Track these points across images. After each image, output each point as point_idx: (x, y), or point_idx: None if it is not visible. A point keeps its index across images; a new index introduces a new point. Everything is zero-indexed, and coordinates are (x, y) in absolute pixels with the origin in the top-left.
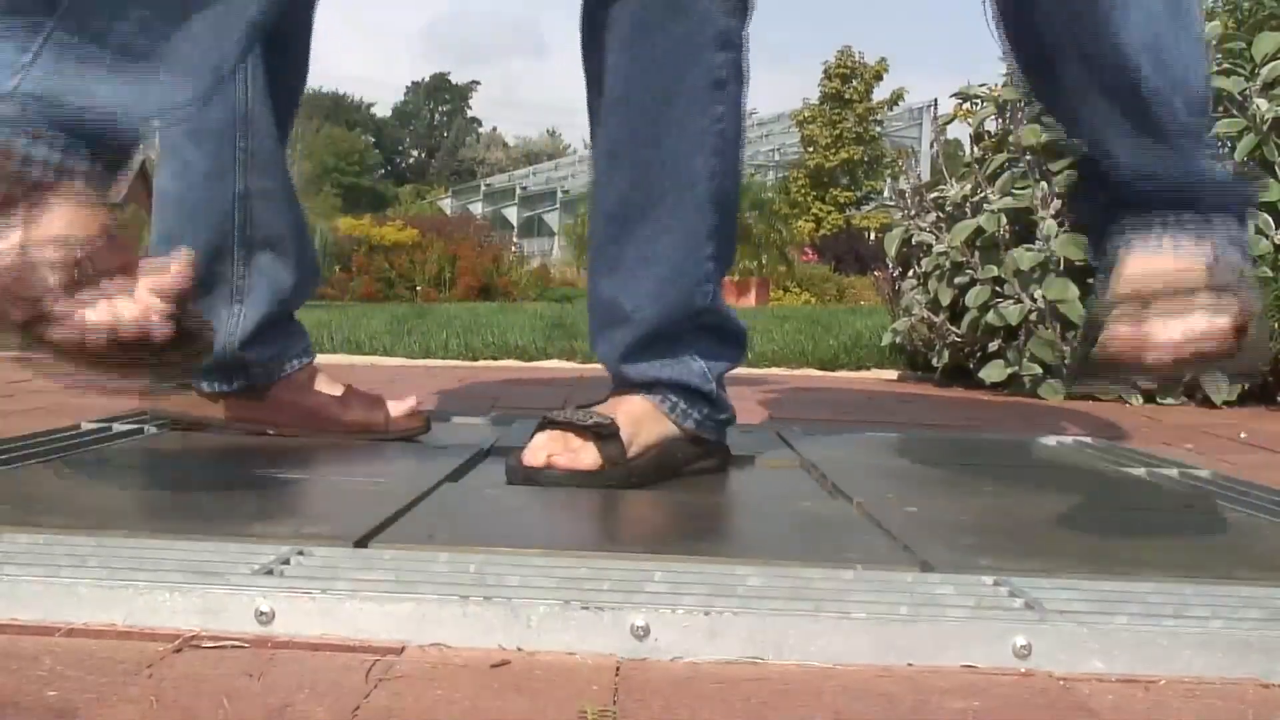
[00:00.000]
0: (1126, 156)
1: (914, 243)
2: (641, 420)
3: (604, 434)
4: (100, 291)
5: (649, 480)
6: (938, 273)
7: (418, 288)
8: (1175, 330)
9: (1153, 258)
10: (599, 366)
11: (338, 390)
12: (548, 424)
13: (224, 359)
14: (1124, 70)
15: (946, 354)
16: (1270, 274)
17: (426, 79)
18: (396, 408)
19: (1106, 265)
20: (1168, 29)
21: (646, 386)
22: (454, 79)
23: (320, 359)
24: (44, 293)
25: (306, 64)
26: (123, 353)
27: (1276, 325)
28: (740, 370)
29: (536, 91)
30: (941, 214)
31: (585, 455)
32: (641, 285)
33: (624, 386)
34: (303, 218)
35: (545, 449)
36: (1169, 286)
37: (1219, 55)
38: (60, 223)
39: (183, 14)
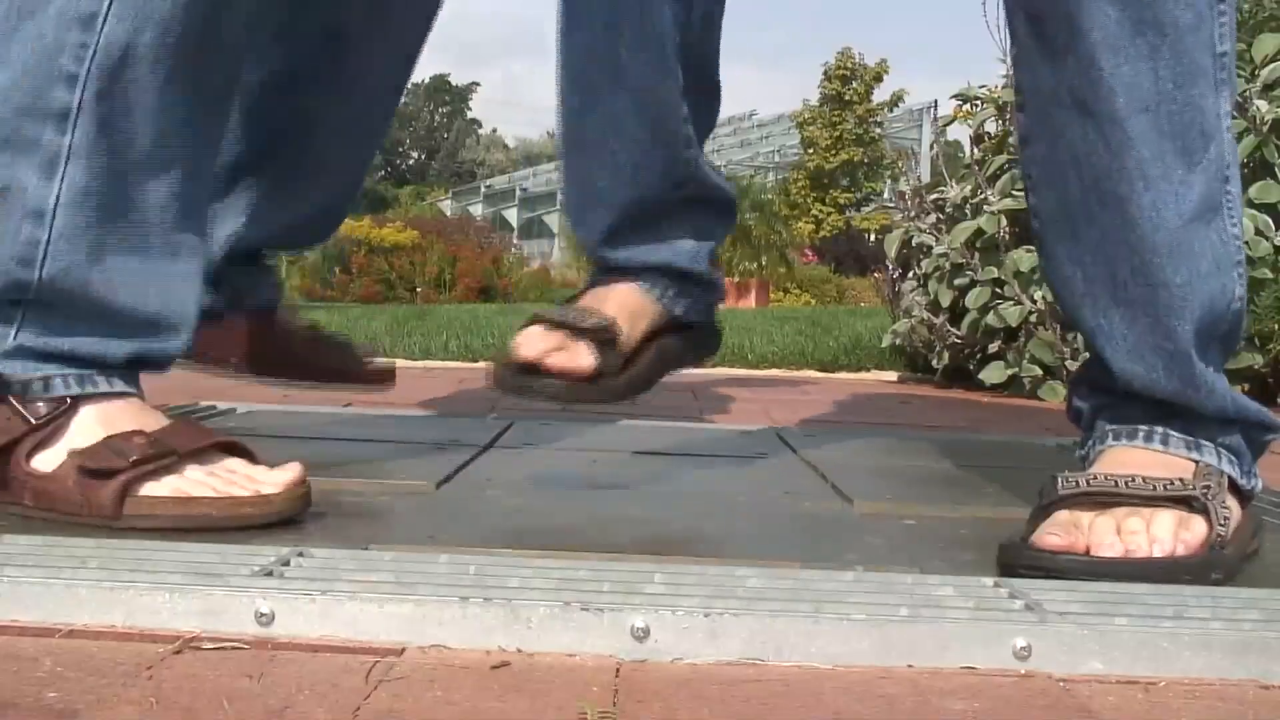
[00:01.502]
0: (1120, 354)
1: (914, 244)
2: (636, 313)
3: (603, 339)
4: (172, 466)
5: (644, 389)
6: (938, 274)
7: (418, 289)
8: (1131, 525)
9: (1131, 456)
10: None
11: (305, 331)
12: (540, 319)
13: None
14: (1141, 260)
15: (946, 355)
16: (1270, 275)
17: (426, 80)
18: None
19: (1083, 461)
20: (1199, 233)
21: (634, 271)
22: (454, 80)
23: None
24: (126, 469)
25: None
26: (224, 505)
27: (1277, 326)
28: (741, 371)
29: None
30: (941, 215)
31: (583, 357)
32: (614, 158)
33: (610, 271)
34: (357, 162)
35: (540, 342)
36: (1143, 474)
37: None
38: (118, 421)
39: (147, 260)
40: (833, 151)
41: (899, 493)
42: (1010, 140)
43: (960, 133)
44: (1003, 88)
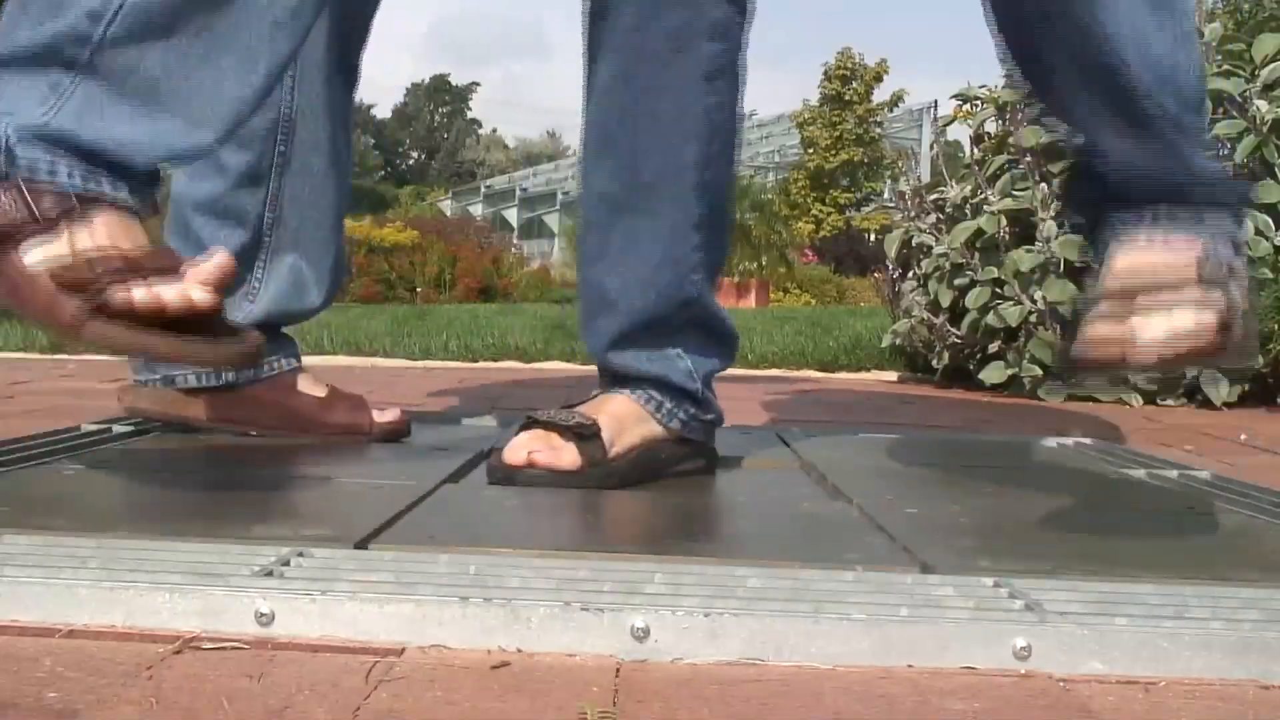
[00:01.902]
0: (1115, 152)
1: (914, 244)
2: (625, 420)
3: (585, 434)
4: (146, 283)
5: (630, 481)
6: (938, 274)
7: (417, 289)
8: (1159, 328)
9: (1141, 253)
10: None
11: (321, 391)
12: (531, 423)
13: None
14: (1109, 63)
15: (946, 355)
16: (1270, 275)
17: (426, 80)
18: (380, 415)
19: (1097, 261)
20: (1152, 22)
21: (631, 382)
22: (454, 80)
23: (320, 360)
24: (91, 288)
25: (356, 69)
26: (166, 329)
27: (1277, 326)
28: (740, 371)
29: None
30: (941, 215)
31: (566, 454)
32: (628, 271)
33: (609, 379)
34: (336, 232)
35: (527, 447)
36: (1156, 281)
37: (1219, 56)
38: (100, 235)
39: (206, 56)
40: (833, 151)
41: (899, 493)
42: (1010, 140)
43: (960, 133)
44: (1003, 88)
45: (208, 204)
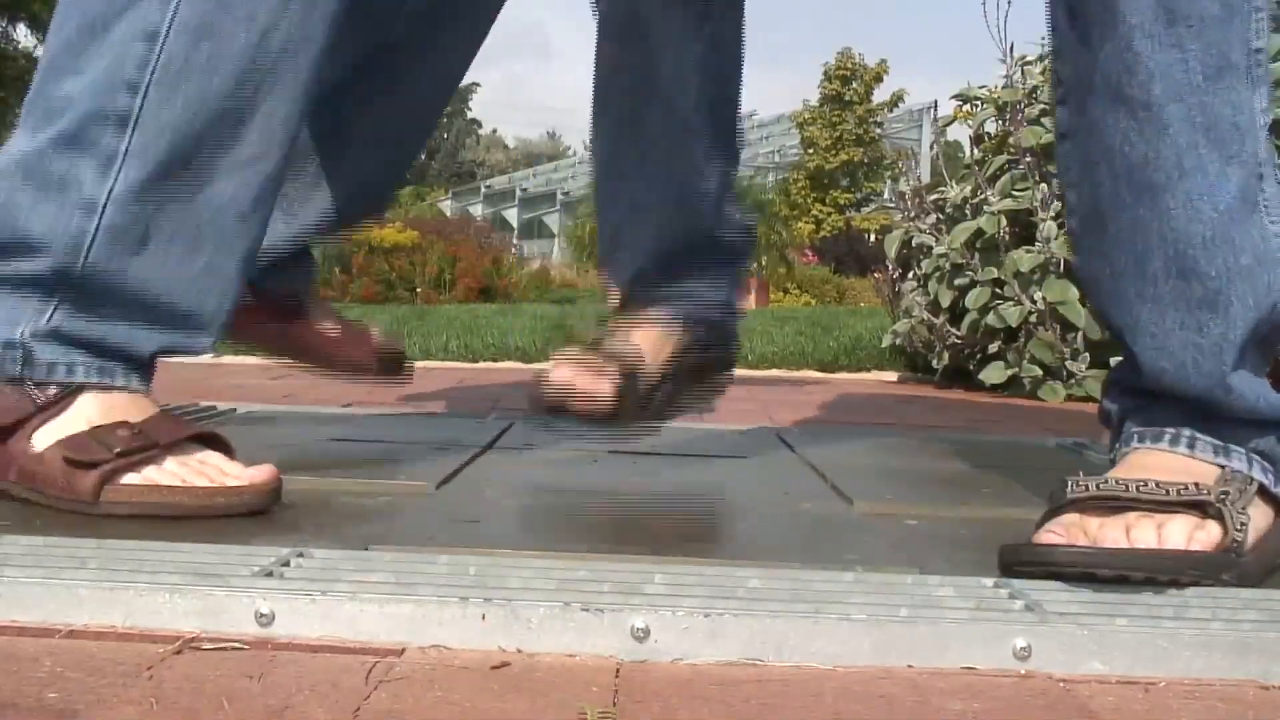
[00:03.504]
0: (1150, 350)
1: (914, 244)
2: (657, 343)
3: (626, 370)
4: (153, 457)
5: (668, 406)
6: (938, 274)
7: (418, 289)
8: (1141, 534)
9: (1155, 459)
10: None
11: (332, 328)
12: (573, 343)
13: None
14: (1175, 251)
15: (946, 356)
16: None
17: None
18: (380, 339)
19: (1111, 458)
20: (1238, 227)
21: (656, 308)
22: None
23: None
24: (105, 463)
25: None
26: (199, 494)
27: None
28: (740, 371)
29: (538, 93)
30: (941, 216)
31: (607, 383)
32: (649, 208)
33: (640, 300)
34: (398, 170)
35: (573, 369)
36: (1158, 478)
37: None
38: (112, 411)
39: (183, 259)
40: (833, 152)
41: (899, 493)
42: (1010, 140)
43: (960, 133)
44: (1003, 88)
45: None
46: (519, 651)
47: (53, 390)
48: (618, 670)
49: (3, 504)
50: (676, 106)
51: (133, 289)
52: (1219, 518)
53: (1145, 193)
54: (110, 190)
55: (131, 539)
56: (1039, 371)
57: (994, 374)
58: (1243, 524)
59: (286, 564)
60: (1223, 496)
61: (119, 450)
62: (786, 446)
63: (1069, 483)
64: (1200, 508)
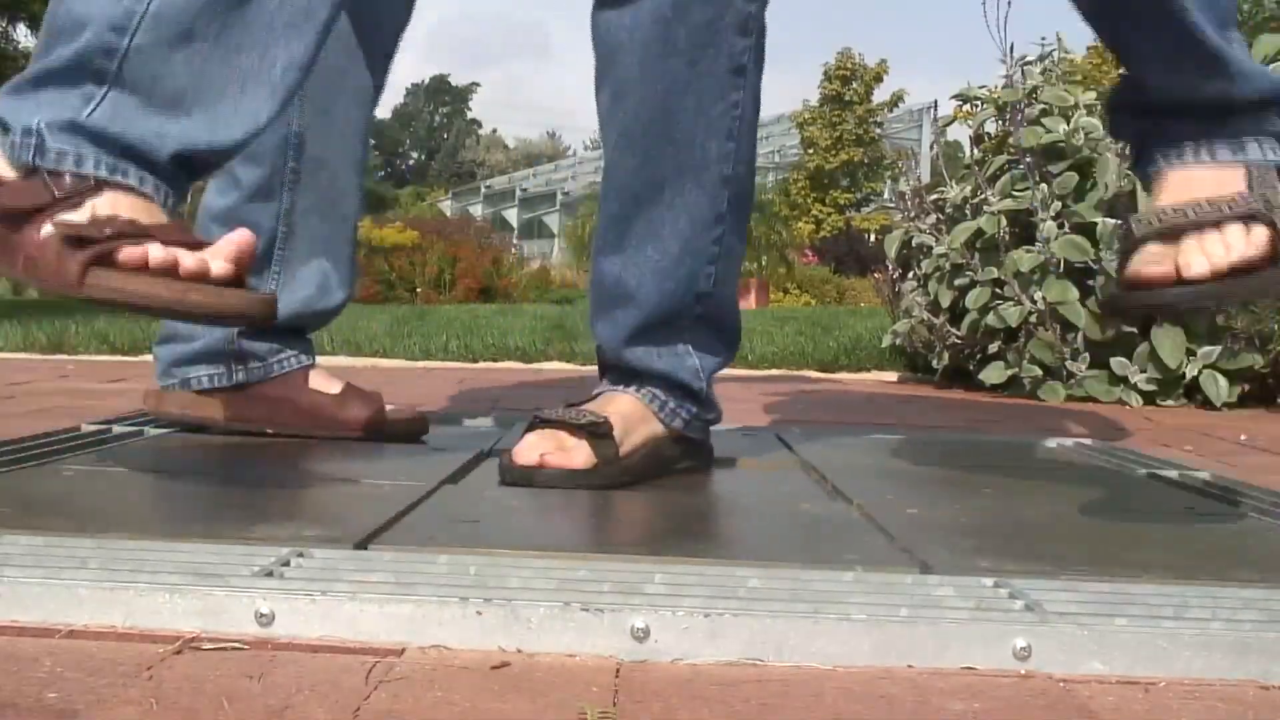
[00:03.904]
0: (1159, 79)
1: (914, 244)
2: (631, 419)
3: (598, 433)
4: (163, 247)
5: (639, 479)
6: (938, 274)
7: (417, 289)
8: (1211, 244)
9: (1187, 178)
10: (599, 369)
11: (336, 388)
12: (540, 423)
13: (223, 351)
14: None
15: (946, 356)
16: None
17: (426, 80)
18: (396, 413)
19: (1145, 188)
20: None
21: (637, 379)
22: (454, 80)
23: (319, 360)
24: (98, 243)
25: (377, 88)
26: (177, 287)
27: (1277, 326)
28: (740, 371)
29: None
30: (941, 216)
31: (578, 454)
32: (646, 263)
33: (615, 374)
34: (346, 241)
35: (538, 448)
36: (1205, 197)
37: None
38: (120, 209)
39: (225, 59)
40: (833, 152)
41: (899, 493)
42: (1010, 140)
43: (960, 133)
44: (1003, 88)
45: (224, 216)
46: (519, 651)
47: (68, 180)
48: (618, 670)
49: (3, 504)
50: (699, 158)
51: (169, 80)
52: (1268, 223)
53: None
54: None
55: (132, 539)
56: (1039, 371)
57: (994, 374)
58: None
59: (286, 564)
60: (1264, 201)
61: (109, 233)
62: (786, 446)
63: (1133, 221)
64: (1250, 217)
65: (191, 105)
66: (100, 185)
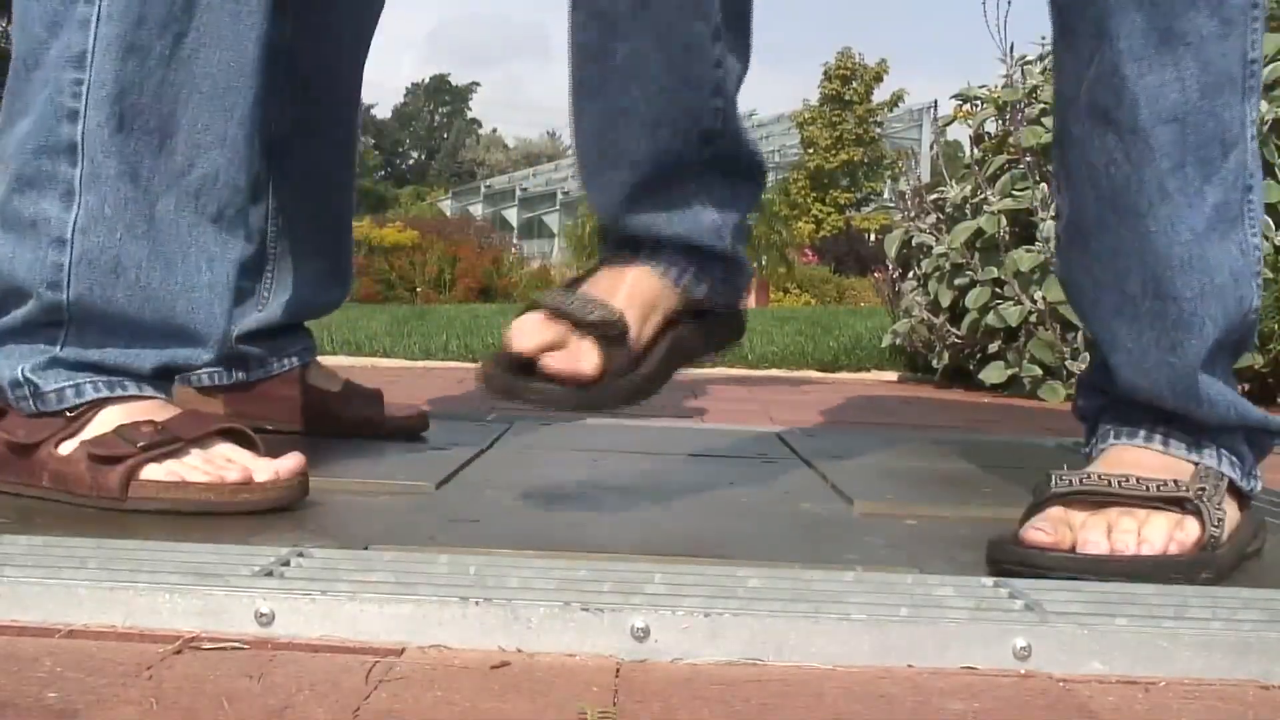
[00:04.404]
0: (1125, 362)
1: (914, 244)
2: (646, 300)
3: (610, 334)
4: (177, 451)
5: (660, 380)
6: (938, 274)
7: (417, 289)
8: (1121, 531)
9: (1131, 455)
10: None
11: (336, 386)
12: (541, 306)
13: (222, 351)
14: (1152, 274)
15: (946, 355)
16: (1270, 275)
17: (426, 80)
18: (396, 411)
19: (1087, 456)
20: (1214, 246)
21: (648, 247)
22: (454, 80)
23: (319, 360)
24: (130, 458)
25: (354, 93)
26: (226, 492)
27: (1277, 326)
28: (740, 371)
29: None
30: (941, 215)
31: (586, 359)
32: (635, 104)
33: (619, 243)
34: (341, 237)
35: (538, 335)
36: (1139, 475)
37: None
38: (135, 413)
39: (167, 274)
40: (833, 151)
41: (899, 493)
42: (1010, 140)
43: (960, 133)
44: (1003, 88)
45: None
46: (519, 651)
47: (75, 408)
48: (618, 670)
49: (3, 504)
50: None
51: (121, 311)
52: (1197, 514)
53: (1128, 215)
54: (75, 221)
55: (131, 539)
56: (1039, 371)
57: (994, 374)
58: (1219, 520)
59: (286, 564)
60: (1200, 493)
61: (142, 445)
62: (786, 446)
63: (1053, 477)
64: (1179, 504)
65: (151, 328)
66: (105, 401)
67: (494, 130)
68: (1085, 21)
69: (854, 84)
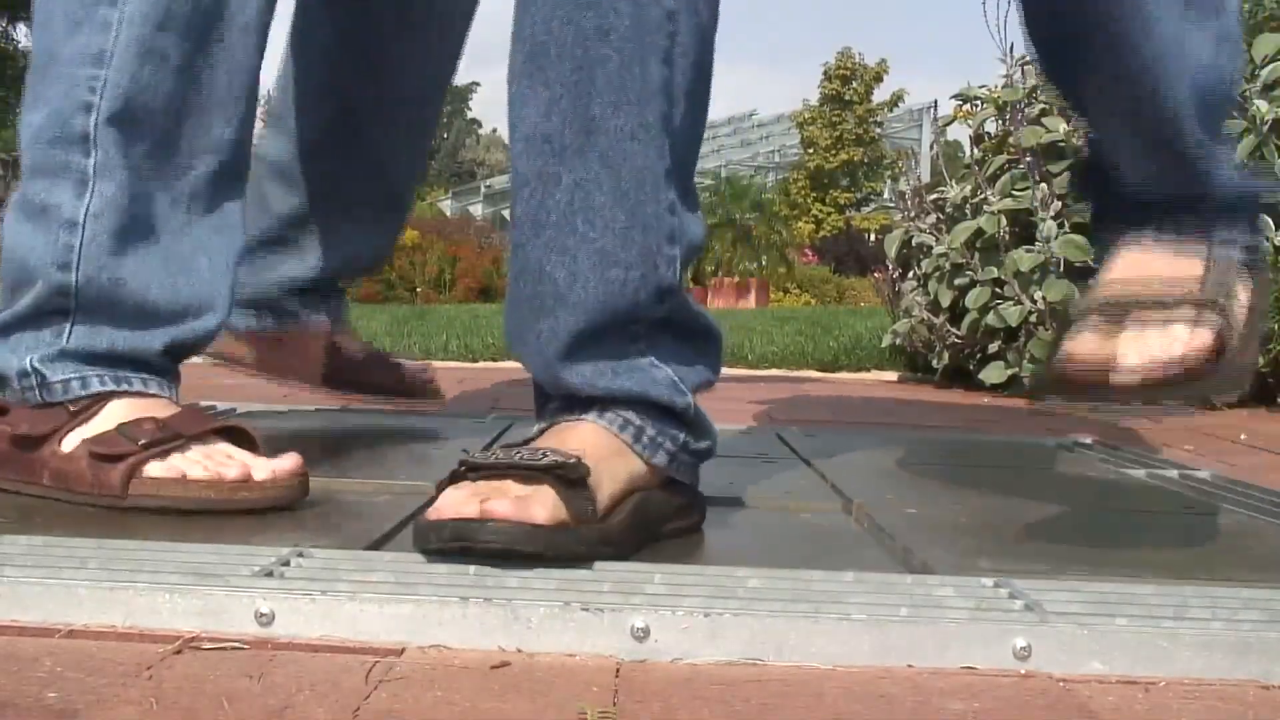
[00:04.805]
0: (1131, 164)
1: (914, 244)
2: (603, 457)
3: (569, 478)
4: (178, 449)
5: (626, 549)
6: (938, 274)
7: (417, 289)
8: (1149, 346)
9: (1144, 257)
10: None
11: (359, 351)
12: (469, 471)
13: (259, 297)
14: (1143, 85)
15: (946, 355)
16: (1270, 274)
17: None
18: (412, 367)
19: (1099, 260)
20: (1195, 33)
21: (597, 404)
22: (454, 80)
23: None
24: (131, 455)
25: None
26: (225, 490)
27: (1277, 326)
28: (740, 371)
29: None
30: (941, 215)
31: (538, 505)
32: (580, 246)
33: (561, 401)
34: (392, 214)
35: (474, 496)
36: (1154, 290)
37: None
38: (138, 410)
39: (173, 251)
40: (833, 151)
41: (899, 493)
42: (1010, 140)
43: (960, 133)
44: (1003, 88)
45: (276, 167)
46: (519, 651)
47: (79, 401)
48: (618, 670)
49: (3, 504)
50: (633, 84)
51: (128, 291)
52: (1216, 318)
53: (1109, 13)
54: (88, 206)
55: (132, 539)
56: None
57: (994, 374)
58: (1233, 308)
59: (286, 564)
60: (1219, 294)
61: (143, 442)
62: (786, 446)
63: (1079, 294)
64: (1200, 310)
65: (157, 308)
66: (110, 395)
67: (494, 130)
68: None
69: (854, 84)
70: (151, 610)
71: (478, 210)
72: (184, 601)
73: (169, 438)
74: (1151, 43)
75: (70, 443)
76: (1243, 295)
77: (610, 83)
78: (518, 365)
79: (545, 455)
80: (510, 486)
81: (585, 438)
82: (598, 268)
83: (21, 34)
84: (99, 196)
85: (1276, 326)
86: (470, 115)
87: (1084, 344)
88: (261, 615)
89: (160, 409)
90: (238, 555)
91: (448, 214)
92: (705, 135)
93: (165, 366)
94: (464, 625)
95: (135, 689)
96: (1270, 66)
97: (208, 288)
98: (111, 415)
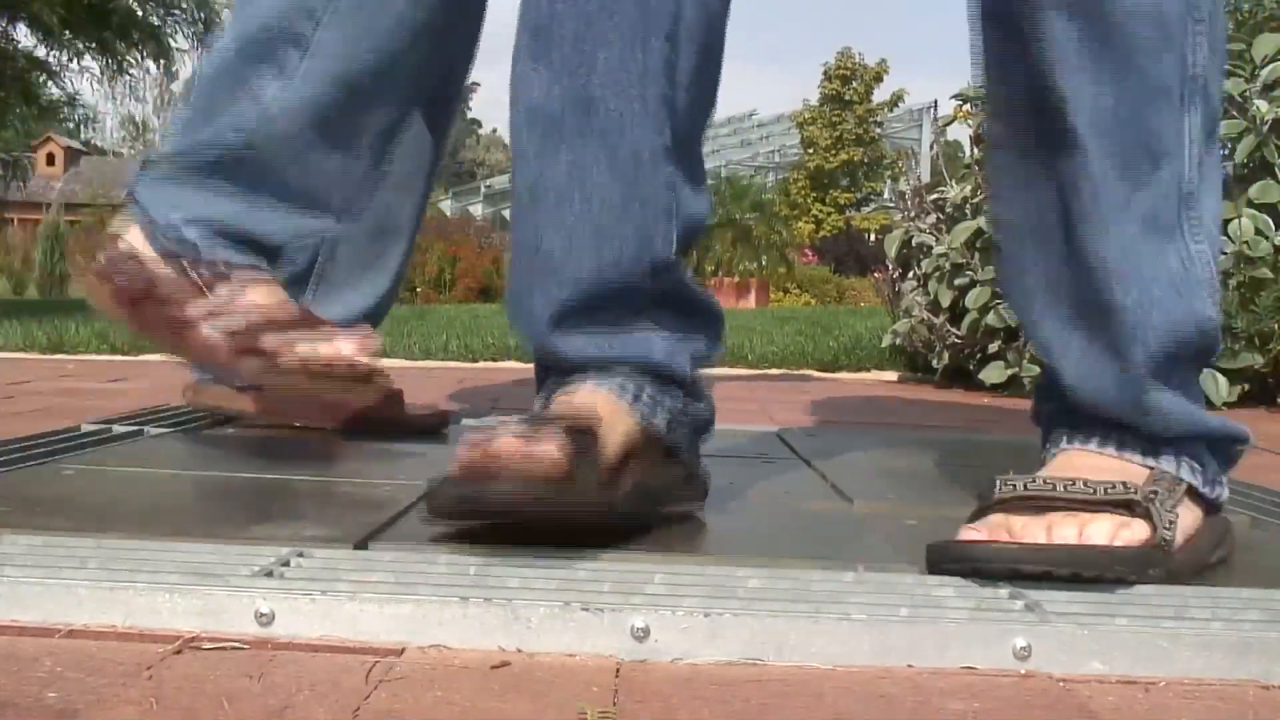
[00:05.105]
0: (1072, 370)
1: (914, 244)
2: (606, 417)
3: (578, 429)
4: (312, 345)
5: (629, 515)
6: (938, 274)
7: (417, 289)
8: (1062, 528)
9: (1089, 459)
10: None
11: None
12: (483, 435)
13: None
14: (1093, 281)
15: (946, 355)
16: (1270, 275)
17: None
18: (419, 410)
19: (1040, 462)
20: (1148, 256)
21: (597, 368)
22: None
23: None
24: (264, 352)
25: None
26: (318, 380)
27: (1277, 326)
28: (740, 371)
29: None
30: (942, 215)
31: (550, 446)
32: (578, 219)
33: (559, 374)
34: (394, 257)
35: (490, 443)
36: (1088, 477)
37: None
38: (256, 297)
39: (327, 158)
40: (833, 151)
41: (899, 493)
42: None
43: (960, 133)
44: None
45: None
46: (519, 651)
47: (205, 271)
48: (618, 670)
49: (3, 504)
50: (635, 64)
51: (278, 166)
52: (1146, 516)
53: (1065, 224)
54: (283, 97)
55: (131, 538)
56: (1039, 371)
57: (994, 374)
58: (1170, 523)
59: (286, 564)
60: (1151, 495)
61: (272, 340)
62: (786, 446)
63: (998, 482)
64: (1127, 506)
65: (292, 192)
66: (230, 270)
67: (494, 130)
68: (1019, 25)
69: (854, 84)
70: (151, 610)
71: (478, 210)
72: (184, 601)
73: (299, 325)
74: (1103, 254)
75: (210, 329)
76: (1188, 518)
77: (611, 64)
78: (518, 365)
79: (554, 409)
80: (526, 432)
81: (586, 398)
82: (593, 241)
83: (22, 34)
84: (296, 93)
85: (1277, 327)
86: (470, 115)
87: (980, 528)
88: (261, 615)
89: (274, 293)
90: (238, 555)
91: (448, 214)
92: (705, 135)
93: (279, 256)
94: (464, 625)
95: (135, 689)
96: (1270, 66)
97: (342, 193)
98: (238, 299)
